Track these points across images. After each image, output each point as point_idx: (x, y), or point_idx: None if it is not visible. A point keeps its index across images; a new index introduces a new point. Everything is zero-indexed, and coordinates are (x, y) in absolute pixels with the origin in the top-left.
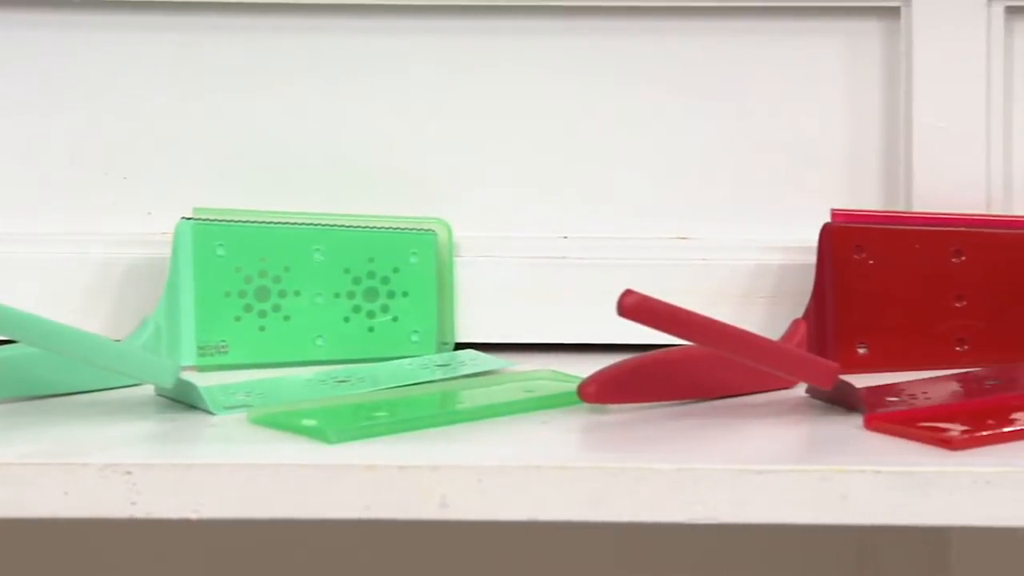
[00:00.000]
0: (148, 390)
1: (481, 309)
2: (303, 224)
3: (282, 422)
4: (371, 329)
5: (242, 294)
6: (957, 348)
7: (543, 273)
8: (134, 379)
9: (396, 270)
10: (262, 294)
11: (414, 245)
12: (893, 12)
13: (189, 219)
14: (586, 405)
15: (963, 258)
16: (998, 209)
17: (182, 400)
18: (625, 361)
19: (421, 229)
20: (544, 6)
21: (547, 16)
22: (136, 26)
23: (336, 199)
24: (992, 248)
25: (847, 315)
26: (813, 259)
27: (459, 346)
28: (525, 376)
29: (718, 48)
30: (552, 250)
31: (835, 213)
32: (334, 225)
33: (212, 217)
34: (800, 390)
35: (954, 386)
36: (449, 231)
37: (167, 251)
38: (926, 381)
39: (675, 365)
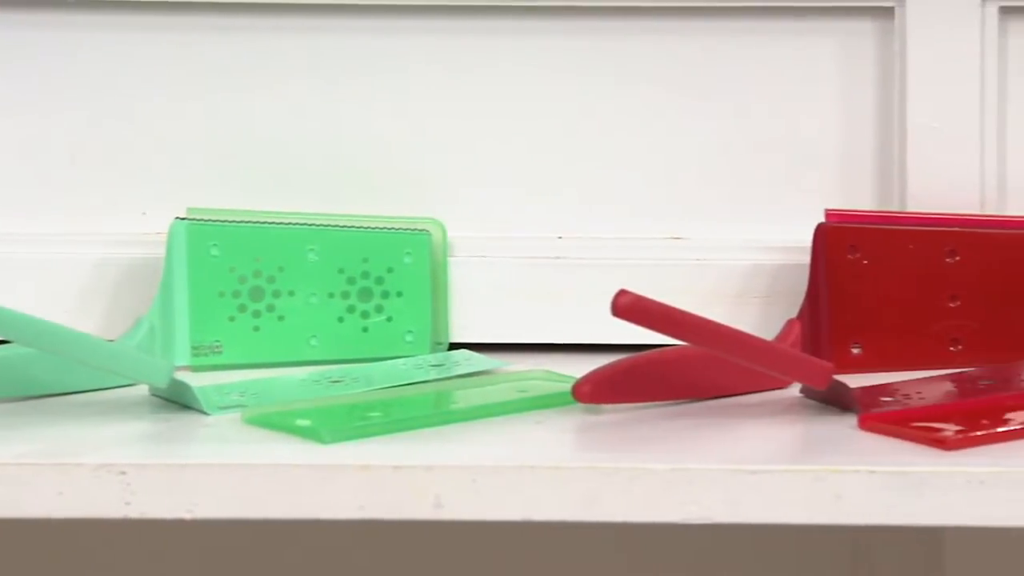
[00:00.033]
0: (142, 390)
1: (475, 309)
2: (297, 224)
3: (276, 422)
4: (365, 329)
5: (236, 294)
6: (951, 348)
7: (537, 273)
8: (128, 379)
9: (390, 270)
10: (256, 294)
11: (408, 245)
12: (887, 12)
13: (183, 219)
14: (580, 405)
15: (957, 258)
16: (992, 209)
17: (176, 400)
18: (619, 361)
19: (415, 229)
20: (538, 7)
21: (541, 16)
22: (130, 26)
23: (330, 199)
24: (986, 248)
25: (841, 315)
26: (807, 259)
27: (453, 346)
28: (519, 376)
29: (712, 48)
30: (546, 250)
31: (829, 213)
32: (328, 225)
33: (206, 217)
34: (794, 390)
35: (948, 386)
36: (443, 231)
37: (161, 251)
38: (920, 381)
39: (669, 365)
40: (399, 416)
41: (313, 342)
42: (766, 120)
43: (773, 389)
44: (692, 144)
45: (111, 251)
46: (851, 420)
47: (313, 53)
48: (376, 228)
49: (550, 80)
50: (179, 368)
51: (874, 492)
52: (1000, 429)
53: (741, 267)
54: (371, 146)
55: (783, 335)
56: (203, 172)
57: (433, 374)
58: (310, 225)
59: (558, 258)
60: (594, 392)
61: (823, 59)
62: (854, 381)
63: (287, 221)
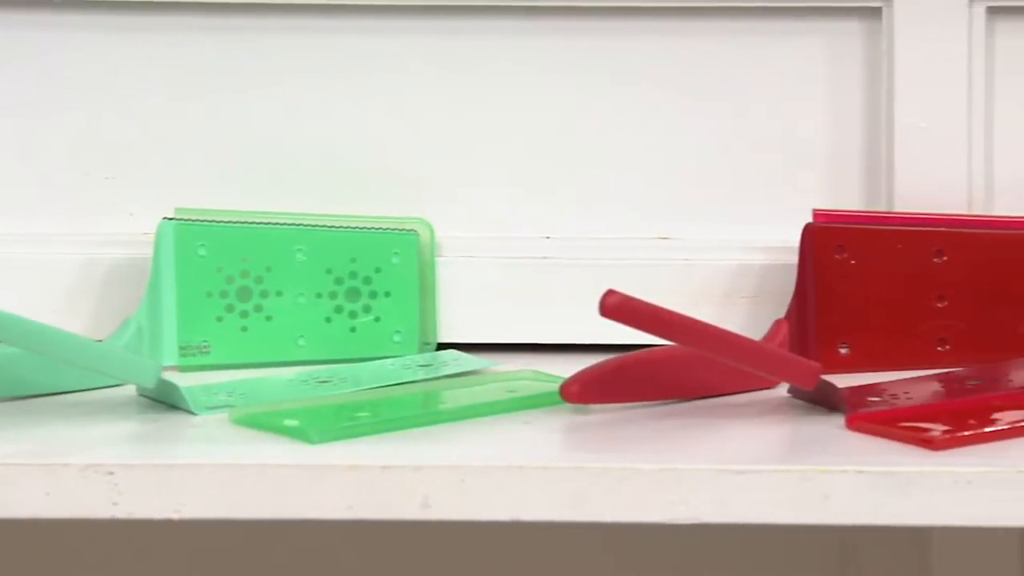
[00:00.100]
0: (130, 390)
1: (463, 309)
2: (285, 224)
3: (264, 422)
4: (353, 329)
5: (224, 294)
6: (939, 348)
7: (525, 273)
8: (116, 379)
9: (378, 270)
10: (244, 294)
11: (396, 245)
12: (875, 12)
13: (171, 219)
14: (568, 405)
15: (945, 258)
16: (980, 209)
17: (164, 400)
18: (607, 361)
19: (403, 229)
20: (526, 7)
21: (530, 17)
22: (119, 27)
23: (318, 199)
24: (974, 248)
25: (829, 315)
26: (795, 259)
27: (441, 346)
28: (507, 376)
29: (699, 49)
30: (534, 250)
31: (817, 213)
32: (316, 225)
33: (194, 217)
34: (782, 390)
35: (936, 386)
36: (431, 231)
37: (149, 251)
38: (908, 381)
39: (657, 365)
40: (387, 416)
41: (301, 342)
42: (754, 120)
43: (761, 389)
44: (680, 144)
45: (99, 251)
46: (839, 420)
47: (303, 54)
48: (364, 228)
49: (539, 81)
50: (167, 368)
51: (861, 492)
52: (987, 429)
53: (729, 267)
54: (359, 146)
55: (771, 335)
56: (191, 172)
57: (421, 374)
58: (298, 225)
59: (546, 258)
60: (582, 392)
61: (811, 59)
62: (842, 381)
63: (275, 221)
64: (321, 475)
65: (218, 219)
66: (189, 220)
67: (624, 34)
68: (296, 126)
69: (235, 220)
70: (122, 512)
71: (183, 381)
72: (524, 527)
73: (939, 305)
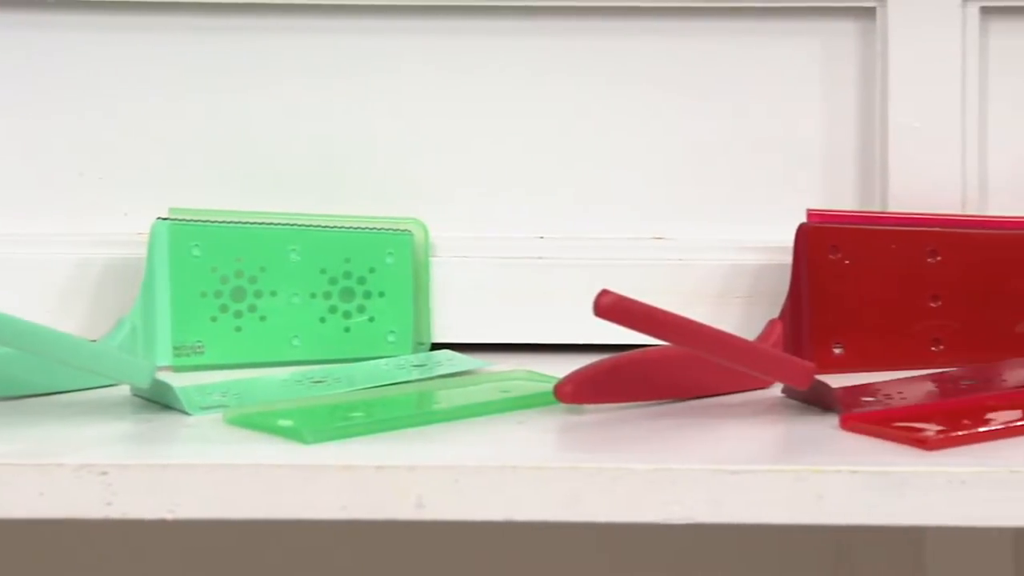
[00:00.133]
0: (124, 390)
1: (457, 309)
2: (279, 224)
3: (258, 422)
4: (347, 329)
5: (218, 294)
6: (933, 348)
7: (519, 273)
8: (110, 379)
9: (372, 270)
10: (238, 294)
11: (390, 245)
12: (869, 12)
13: (165, 219)
14: (562, 405)
15: (938, 258)
16: (973, 209)
17: (158, 400)
18: (601, 361)
19: (397, 229)
20: (520, 7)
21: (525, 17)
22: (113, 27)
23: (312, 199)
24: (967, 248)
25: (823, 315)
26: (789, 259)
27: (435, 346)
28: (501, 376)
29: (693, 49)
30: (528, 250)
31: (811, 213)
32: (310, 225)
33: (188, 217)
34: (776, 390)
35: (929, 386)
36: (425, 231)
37: (143, 251)
38: (902, 381)
39: (651, 365)
40: (381, 416)
41: (295, 342)
42: (748, 120)
43: (755, 389)
44: (674, 144)
45: (93, 251)
46: (833, 420)
47: (298, 54)
48: (358, 228)
49: (533, 82)
50: (161, 368)
51: (856, 492)
52: (981, 429)
53: (723, 267)
54: (353, 146)
55: (765, 335)
56: (185, 172)
57: (415, 374)
58: (292, 225)
59: (540, 258)
60: (576, 392)
61: (805, 59)
62: (836, 381)
63: (269, 221)
64: (315, 475)
65: (212, 219)
66: (183, 220)
67: (618, 34)
68: (290, 126)
69: (229, 220)
70: (116, 512)
71: (177, 381)
72: (518, 527)
73: (933, 305)
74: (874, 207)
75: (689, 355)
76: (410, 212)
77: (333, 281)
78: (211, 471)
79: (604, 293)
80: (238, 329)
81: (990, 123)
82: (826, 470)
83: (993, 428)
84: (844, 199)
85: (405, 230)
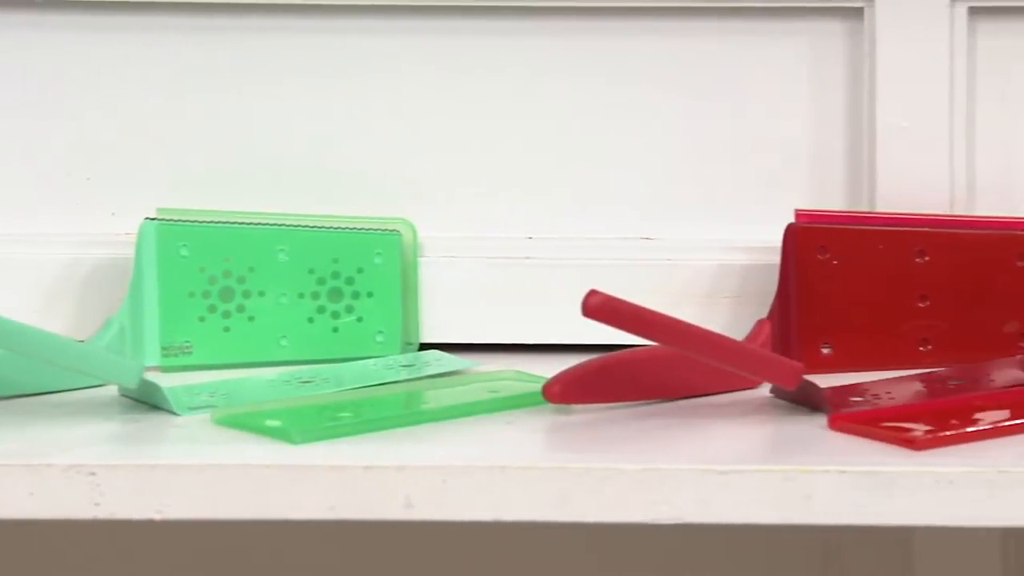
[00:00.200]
0: (112, 391)
1: (446, 309)
2: (267, 224)
3: (246, 423)
4: (335, 329)
5: (206, 294)
6: (921, 348)
7: (507, 274)
8: (98, 380)
9: (360, 270)
10: (226, 294)
11: (378, 246)
12: (856, 13)
13: (153, 219)
14: (551, 405)
15: (927, 258)
16: (961, 209)
17: (146, 401)
18: (590, 361)
19: (386, 230)
20: (507, 7)
21: (514, 18)
22: (100, 27)
23: (300, 199)
24: (955, 248)
25: (811, 315)
26: (777, 259)
27: (424, 346)
28: (490, 376)
29: (681, 49)
30: (516, 251)
31: (799, 213)
32: (298, 225)
33: (176, 217)
34: (764, 390)
35: (918, 386)
36: (414, 231)
37: (131, 251)
38: (890, 381)
39: (640, 365)
40: (369, 416)
41: (283, 342)
42: (736, 121)
43: (743, 389)
44: (662, 145)
45: (80, 251)
46: (821, 420)
47: (287, 55)
48: (346, 228)
49: (522, 82)
50: (149, 369)
51: (844, 492)
52: (969, 429)
53: (711, 267)
54: (342, 146)
55: (753, 335)
56: (172, 172)
57: (404, 374)
58: (280, 225)
59: (528, 258)
60: (564, 392)
61: (792, 60)
62: (824, 381)
63: (257, 221)
64: (303, 475)
65: (200, 219)
66: (171, 220)
67: (607, 35)
68: (279, 127)
69: (217, 220)
70: (104, 512)
71: (165, 381)
72: (507, 527)
73: (921, 305)
74: (862, 207)
75: (677, 355)
76: (398, 212)
77: (321, 281)
78: (199, 471)
79: (592, 293)
80: (226, 329)
81: (978, 123)
82: (814, 470)
83: (981, 428)
84: (832, 199)
85: (393, 230)
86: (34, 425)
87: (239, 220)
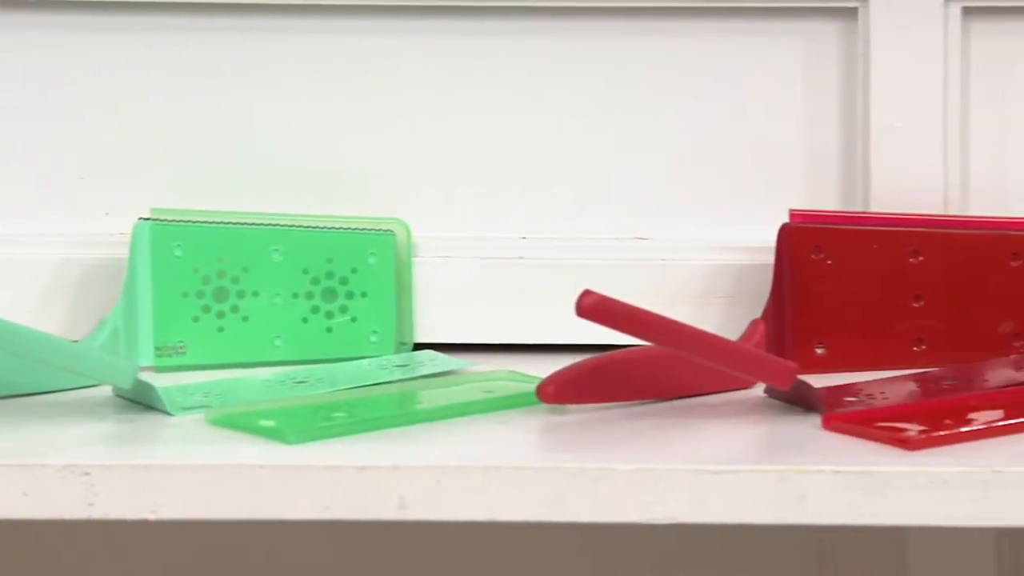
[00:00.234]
0: (106, 391)
1: (440, 309)
2: (261, 225)
3: (240, 423)
4: (330, 329)
5: (200, 295)
6: (915, 348)
7: (501, 274)
8: (92, 380)
9: (355, 270)
10: (220, 295)
11: (373, 245)
12: (851, 13)
13: (147, 219)
14: (545, 405)
15: (921, 258)
16: (955, 209)
17: (140, 401)
18: (584, 361)
19: (379, 230)
20: (496, 7)
21: (504, 18)
22: (93, 27)
23: (294, 199)
24: (950, 248)
25: (805, 315)
26: (771, 259)
27: (418, 346)
28: (484, 376)
29: (675, 48)
30: (510, 251)
31: (793, 213)
32: (292, 226)
33: (170, 218)
34: (758, 390)
35: (912, 386)
36: (408, 231)
37: (125, 252)
38: (884, 381)
39: (634, 365)
40: (364, 416)
41: (277, 342)
42: (730, 120)
43: (737, 389)
44: (656, 144)
45: (74, 251)
46: (815, 420)
47: (279, 55)
48: (340, 228)
49: (515, 82)
50: (143, 369)
51: (838, 492)
52: (963, 429)
53: (705, 267)
54: (336, 146)
55: (747, 335)
56: (166, 172)
57: (398, 374)
58: (274, 225)
59: (522, 258)
60: (559, 392)
61: (787, 59)
62: (818, 381)
63: (251, 222)
64: (297, 475)
65: (194, 219)
66: (165, 220)
67: (600, 35)
68: (273, 127)
69: (211, 220)
70: (98, 513)
71: (159, 381)
72: (502, 527)
73: (915, 305)
74: (856, 207)
75: (671, 355)
76: (392, 212)
77: (315, 281)
78: (193, 471)
79: (586, 293)
80: (220, 329)
81: (972, 123)
82: (809, 470)
83: (975, 428)
84: (826, 199)
85: (387, 230)
86: (28, 425)
87: (233, 220)
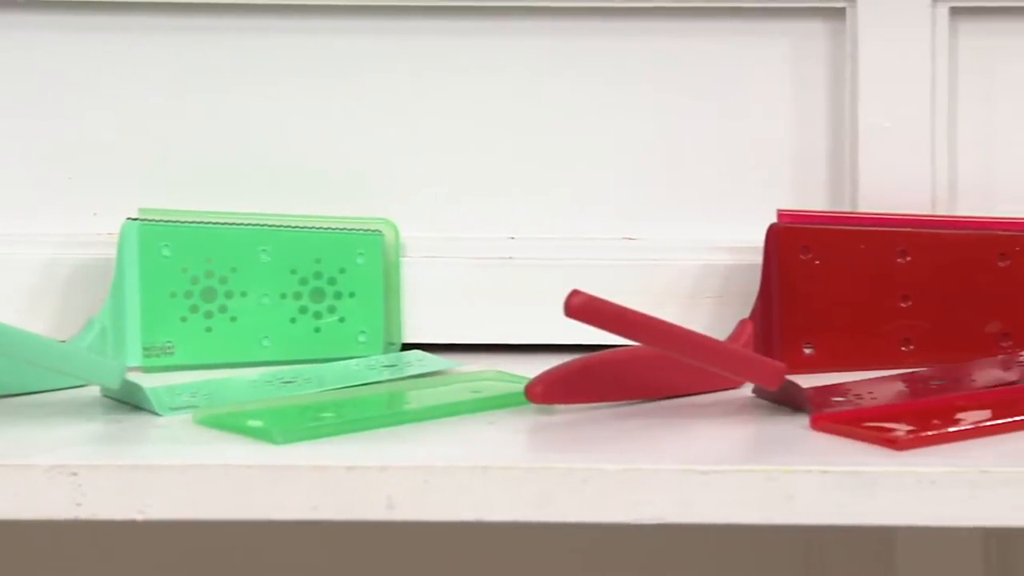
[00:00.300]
0: (94, 391)
1: (428, 310)
2: (249, 225)
3: (228, 423)
4: (318, 330)
5: (188, 295)
6: (903, 348)
7: (490, 274)
8: (80, 380)
9: (343, 271)
10: (208, 295)
11: (361, 246)
12: (838, 13)
13: (135, 219)
14: (533, 405)
15: (908, 258)
16: (943, 209)
17: (128, 401)
18: (572, 361)
19: (368, 230)
20: (487, 7)
21: (493, 18)
22: (80, 27)
23: (282, 200)
24: (937, 248)
25: (793, 315)
26: (760, 259)
27: (406, 347)
28: (472, 377)
29: (664, 49)
30: (499, 251)
31: (781, 213)
32: (280, 226)
33: (158, 218)
34: (746, 390)
35: (900, 386)
36: (396, 231)
37: (113, 252)
38: (872, 381)
39: (622, 365)
40: (352, 417)
41: (265, 343)
42: (718, 121)
43: (725, 389)
44: (645, 145)
45: (62, 252)
46: (803, 420)
47: (266, 55)
48: (328, 229)
49: (503, 82)
50: (131, 369)
51: (826, 492)
52: (951, 429)
53: (694, 267)
54: (324, 147)
55: (735, 335)
56: (154, 172)
57: (386, 375)
58: (262, 226)
59: (510, 259)
60: (547, 392)
61: (775, 60)
62: (806, 381)
63: (239, 222)
64: (285, 476)
65: (182, 219)
66: (153, 220)
67: (588, 35)
68: (260, 127)
69: (199, 220)
70: (86, 513)
71: (147, 382)
72: (490, 527)
73: (903, 305)
74: (844, 207)
75: (660, 355)
76: (381, 212)
77: (303, 281)
78: (181, 472)
79: (575, 293)
80: (208, 329)
81: (959, 123)
82: (796, 470)
83: (963, 428)
84: (814, 199)
85: (375, 230)
86: (16, 425)
87: (221, 220)
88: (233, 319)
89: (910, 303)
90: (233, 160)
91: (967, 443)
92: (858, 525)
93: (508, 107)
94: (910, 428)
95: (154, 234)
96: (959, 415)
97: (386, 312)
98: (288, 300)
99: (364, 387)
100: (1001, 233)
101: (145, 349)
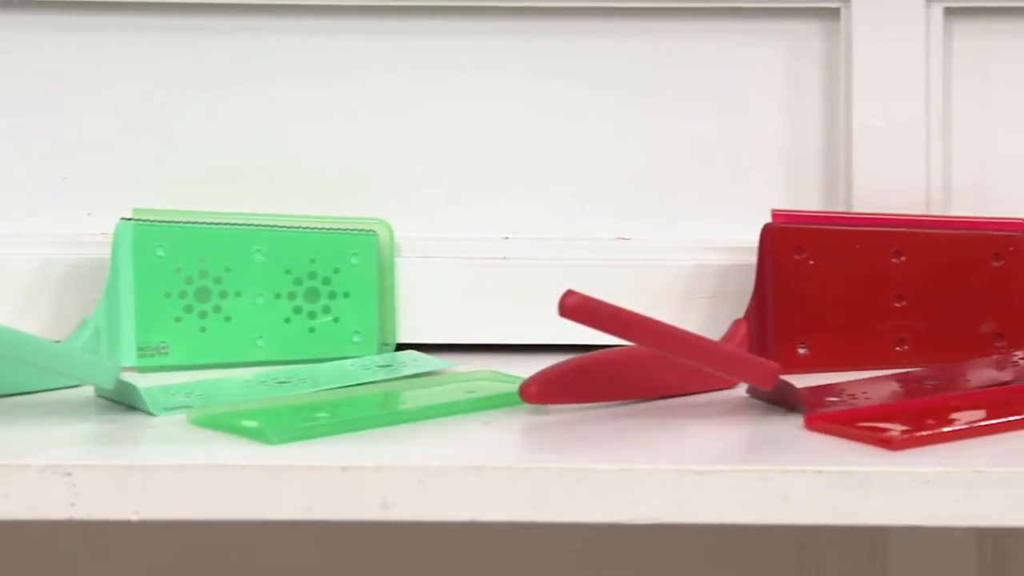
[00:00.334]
0: (88, 391)
1: (422, 310)
2: (244, 225)
3: (223, 423)
4: (312, 330)
5: (183, 295)
6: (897, 348)
7: (484, 274)
8: (74, 380)
9: (337, 271)
10: (203, 295)
11: (355, 246)
12: (833, 13)
13: (129, 220)
14: (527, 406)
15: (903, 258)
16: (937, 209)
17: (122, 401)
18: (566, 361)
19: (362, 230)
20: (482, 7)
21: (488, 18)
22: (73, 27)
23: (277, 200)
24: (931, 248)
25: (788, 315)
26: (754, 259)
27: (400, 347)
28: (467, 377)
29: (658, 49)
30: (493, 251)
31: (775, 213)
32: (275, 226)
33: (152, 218)
34: (741, 390)
35: (894, 386)
36: (390, 232)
37: (107, 252)
38: (866, 381)
39: (616, 365)
40: (346, 417)
41: (260, 343)
42: (713, 121)
43: (720, 389)
44: (639, 145)
45: (56, 251)
46: (797, 420)
47: (259, 56)
48: (323, 229)
49: (497, 82)
50: (125, 369)
51: (820, 492)
52: (945, 429)
53: (688, 267)
54: (318, 147)
55: (730, 335)
56: (148, 172)
57: (380, 375)
58: (257, 226)
59: (505, 259)
60: (541, 392)
61: (769, 60)
62: (800, 381)
63: (234, 222)
64: (280, 476)
65: (176, 219)
66: (147, 220)
67: (582, 35)
68: (254, 127)
69: (194, 221)
70: (80, 513)
71: (141, 382)
72: (484, 527)
73: (897, 305)
74: (838, 207)
75: (654, 355)
76: (375, 212)
77: (298, 282)
78: (176, 472)
79: (569, 293)
80: (203, 330)
81: (954, 124)
82: (791, 470)
83: (957, 428)
84: (809, 199)
85: (370, 230)
86: (10, 426)
87: (215, 220)
88: (227, 319)
89: (904, 303)
90: (229, 160)
91: (961, 443)
92: (852, 525)
93: (503, 107)
94: (904, 428)
95: (148, 234)
96: (953, 415)
97: (380, 312)
98: (282, 300)
99: (359, 387)
100: (995, 233)
101: (139, 349)
